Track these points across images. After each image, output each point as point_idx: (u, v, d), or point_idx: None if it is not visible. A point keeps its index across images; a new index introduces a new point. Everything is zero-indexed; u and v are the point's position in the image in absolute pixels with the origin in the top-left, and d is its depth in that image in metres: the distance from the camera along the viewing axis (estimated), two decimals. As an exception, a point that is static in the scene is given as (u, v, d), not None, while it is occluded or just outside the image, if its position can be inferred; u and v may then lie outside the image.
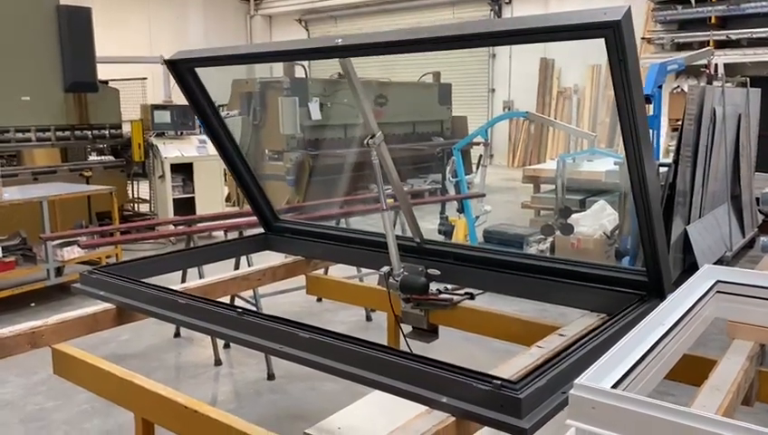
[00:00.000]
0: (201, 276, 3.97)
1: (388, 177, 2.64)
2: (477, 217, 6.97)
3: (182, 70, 2.72)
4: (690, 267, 5.57)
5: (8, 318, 5.29)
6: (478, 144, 8.65)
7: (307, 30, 20.62)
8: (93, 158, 8.75)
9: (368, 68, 17.82)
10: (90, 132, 7.93)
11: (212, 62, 2.76)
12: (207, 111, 2.91)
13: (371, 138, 2.41)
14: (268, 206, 3.36)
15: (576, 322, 2.28)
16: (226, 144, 3.05)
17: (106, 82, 8.57)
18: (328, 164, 10.00)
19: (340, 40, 2.11)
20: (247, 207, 4.17)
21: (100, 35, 8.06)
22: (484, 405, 1.57)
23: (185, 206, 8.41)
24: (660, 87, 5.77)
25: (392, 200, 7.07)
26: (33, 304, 5.81)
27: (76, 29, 7.53)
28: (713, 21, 12.00)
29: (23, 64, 7.21)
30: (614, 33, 1.62)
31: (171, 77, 2.78)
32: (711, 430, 1.22)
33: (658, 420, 1.27)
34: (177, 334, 5.09)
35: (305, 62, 11.29)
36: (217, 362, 4.60)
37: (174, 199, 8.43)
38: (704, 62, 7.58)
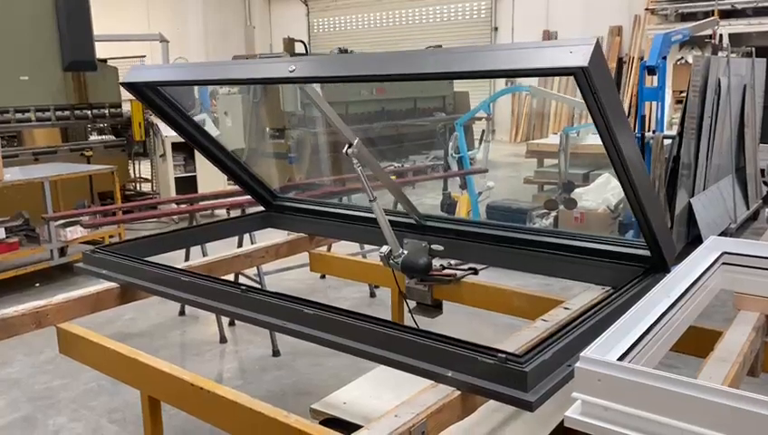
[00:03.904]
0: (204, 255, 3.97)
1: (375, 173, 2.62)
2: (480, 193, 6.95)
3: (141, 88, 2.65)
4: (695, 240, 5.56)
5: (13, 298, 5.32)
6: (480, 119, 8.60)
7: (306, 6, 20.39)
8: (94, 137, 8.71)
9: (368, 43, 17.69)
10: (89, 112, 7.89)
11: (166, 83, 2.66)
12: (178, 120, 2.83)
13: (349, 147, 2.35)
14: (263, 186, 3.34)
15: (580, 295, 2.27)
16: (206, 144, 3.00)
17: (105, 61, 8.51)
18: (329, 141, 9.95)
19: (293, 67, 2.00)
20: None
21: (97, 13, 7.97)
22: (490, 379, 1.57)
23: (187, 184, 8.40)
24: (664, 58, 5.71)
25: (395, 177, 7.05)
26: (37, 285, 5.84)
27: (73, 7, 7.45)
28: (717, -10, 11.82)
29: (20, 44, 7.15)
30: (583, 73, 1.52)
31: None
32: (717, 400, 1.22)
33: (665, 391, 1.26)
34: (181, 313, 5.11)
35: (305, 38, 11.18)
36: (222, 340, 4.62)
37: (176, 178, 8.41)
38: (708, 32, 7.49)
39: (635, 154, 1.86)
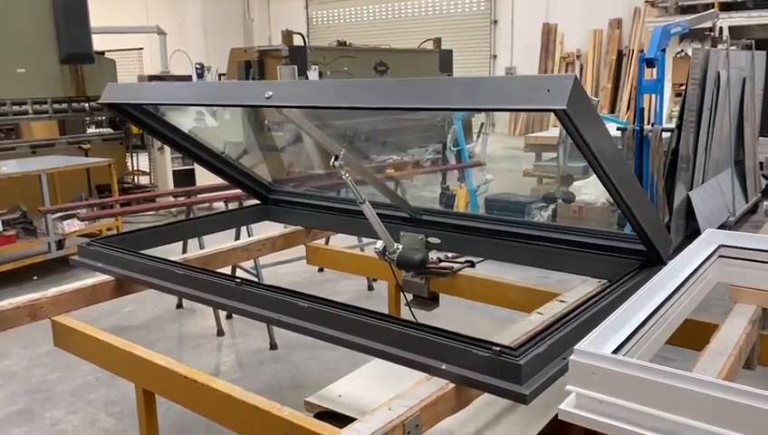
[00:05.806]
0: (201, 247, 3.96)
1: (365, 178, 2.62)
2: (479, 187, 6.93)
3: (119, 106, 2.63)
4: (693, 233, 5.55)
5: (11, 291, 5.31)
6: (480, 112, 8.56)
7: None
8: (92, 130, 8.70)
9: (368, 35, 17.60)
10: (87, 104, 7.86)
11: (141, 105, 2.64)
12: (162, 131, 2.82)
13: (335, 159, 2.34)
14: (257, 182, 3.33)
15: (577, 288, 2.27)
16: (195, 151, 2.99)
17: (102, 53, 8.47)
18: (329, 134, 9.90)
19: (270, 93, 1.99)
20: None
21: (94, 5, 7.93)
22: (484, 371, 1.56)
23: (185, 177, 8.38)
24: (664, 51, 5.68)
25: (393, 170, 7.02)
26: (35, 278, 5.83)
27: (70, -1, 7.42)
28: (718, -18, 11.77)
29: (16, 36, 7.12)
30: (564, 113, 1.50)
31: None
32: (712, 393, 1.21)
33: (659, 384, 1.26)
34: (179, 305, 5.11)
35: (304, 30, 11.13)
36: (220, 333, 4.62)
37: (174, 171, 8.40)
38: (708, 24, 7.45)
39: (621, 165, 1.85)
